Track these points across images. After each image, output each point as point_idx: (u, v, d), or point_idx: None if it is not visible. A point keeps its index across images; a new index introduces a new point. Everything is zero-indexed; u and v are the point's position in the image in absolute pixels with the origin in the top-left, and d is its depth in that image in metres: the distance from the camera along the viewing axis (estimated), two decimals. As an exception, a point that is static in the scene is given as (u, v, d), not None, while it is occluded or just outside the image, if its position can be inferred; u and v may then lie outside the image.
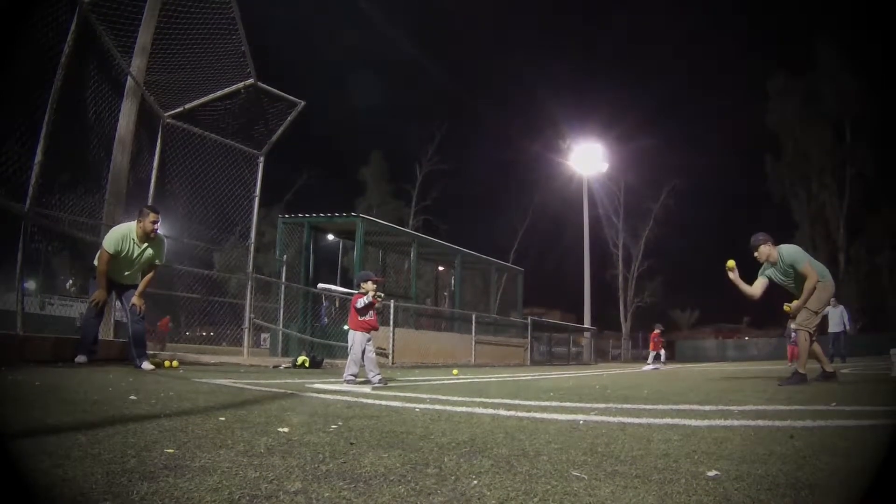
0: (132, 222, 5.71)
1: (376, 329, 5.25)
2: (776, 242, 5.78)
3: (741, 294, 5.82)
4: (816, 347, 5.73)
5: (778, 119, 34.70)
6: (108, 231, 5.84)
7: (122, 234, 5.61)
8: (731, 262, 5.68)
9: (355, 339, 5.11)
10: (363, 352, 5.10)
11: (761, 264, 5.82)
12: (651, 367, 14.17)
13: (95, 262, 5.69)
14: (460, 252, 17.44)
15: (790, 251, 5.65)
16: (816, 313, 5.53)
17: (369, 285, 5.19)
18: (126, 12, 6.80)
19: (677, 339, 39.08)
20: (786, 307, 5.68)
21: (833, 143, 33.25)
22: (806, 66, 34.05)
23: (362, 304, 5.10)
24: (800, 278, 5.56)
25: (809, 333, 5.51)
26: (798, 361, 5.60)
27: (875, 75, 30.49)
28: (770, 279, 5.79)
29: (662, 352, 15.48)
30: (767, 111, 35.33)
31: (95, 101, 6.65)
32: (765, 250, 5.71)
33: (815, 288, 5.43)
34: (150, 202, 7.93)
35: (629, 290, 40.14)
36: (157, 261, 5.85)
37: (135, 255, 5.68)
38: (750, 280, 5.81)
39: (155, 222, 5.68)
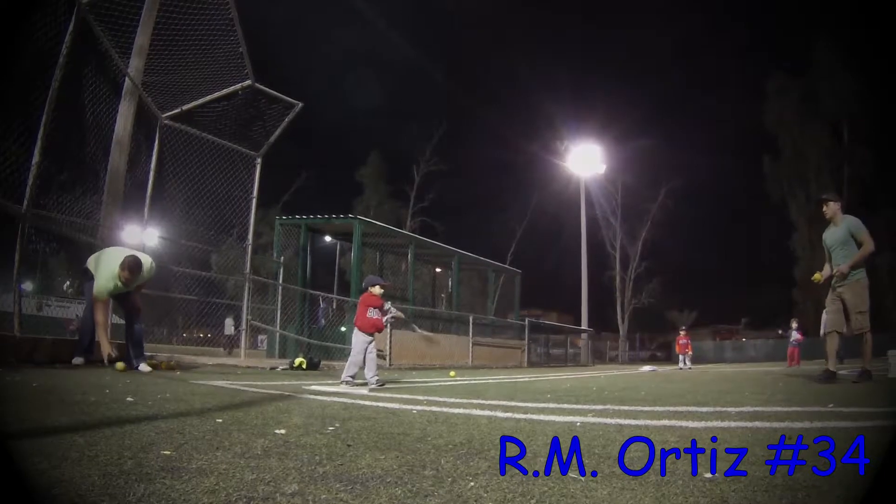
0: (115, 262, 5.54)
1: (380, 330, 5.33)
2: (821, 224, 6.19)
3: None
4: (832, 345, 6.02)
5: (776, 119, 34.77)
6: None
7: (109, 278, 5.56)
8: (817, 276, 6.18)
9: (358, 339, 5.13)
10: (364, 353, 5.11)
11: (828, 221, 6.12)
12: (686, 367, 15.73)
13: (88, 265, 5.70)
14: (458, 253, 17.42)
15: (855, 219, 6.01)
16: (866, 312, 5.90)
17: (377, 290, 5.28)
18: (124, 13, 6.78)
19: (673, 340, 39.10)
20: (815, 277, 6.12)
21: (831, 143, 33.33)
22: (804, 67, 34.22)
23: (379, 310, 5.27)
24: (848, 251, 5.88)
25: (863, 333, 5.91)
26: (830, 360, 5.97)
27: (873, 75, 30.57)
28: (824, 245, 6.15)
29: (689, 353, 16.77)
30: (765, 111, 35.43)
31: (93, 102, 6.64)
32: (834, 206, 6.05)
33: (870, 253, 5.84)
34: (147, 203, 7.94)
35: (627, 292, 40.12)
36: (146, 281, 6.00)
37: (123, 289, 5.73)
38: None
39: (128, 278, 5.54)
